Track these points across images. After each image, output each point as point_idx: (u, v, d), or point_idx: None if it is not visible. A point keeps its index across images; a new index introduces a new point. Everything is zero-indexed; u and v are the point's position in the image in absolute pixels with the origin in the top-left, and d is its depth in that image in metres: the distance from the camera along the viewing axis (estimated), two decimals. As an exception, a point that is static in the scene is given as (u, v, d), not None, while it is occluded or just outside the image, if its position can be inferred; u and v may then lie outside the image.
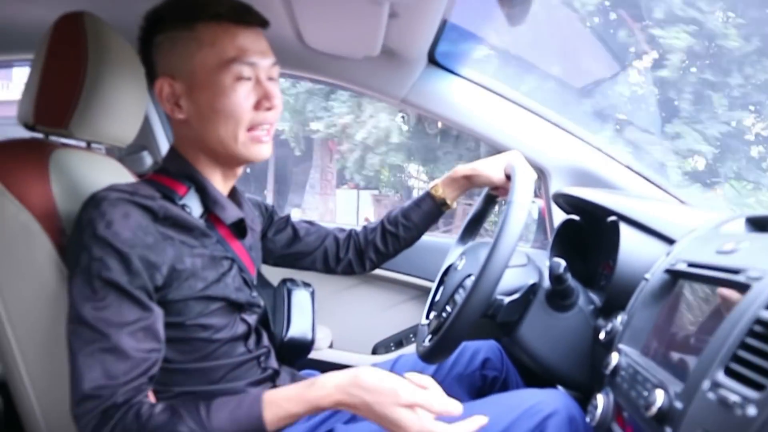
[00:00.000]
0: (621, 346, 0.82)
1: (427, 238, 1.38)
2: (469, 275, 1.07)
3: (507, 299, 0.99)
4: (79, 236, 0.82)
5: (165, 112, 0.96)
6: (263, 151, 0.95)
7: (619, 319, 0.92)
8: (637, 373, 0.72)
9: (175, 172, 0.95)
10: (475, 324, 0.92)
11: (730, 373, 0.54)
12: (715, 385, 0.54)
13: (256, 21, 0.94)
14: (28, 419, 0.95)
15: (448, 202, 1.31)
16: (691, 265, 0.76)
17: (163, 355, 0.83)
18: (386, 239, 1.32)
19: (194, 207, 0.93)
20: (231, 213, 0.96)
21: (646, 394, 0.66)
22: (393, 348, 1.73)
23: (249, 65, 0.91)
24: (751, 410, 0.49)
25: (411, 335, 1.71)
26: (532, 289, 1.02)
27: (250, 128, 0.92)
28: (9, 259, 0.92)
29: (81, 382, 0.75)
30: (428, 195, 1.32)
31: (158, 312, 0.83)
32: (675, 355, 0.70)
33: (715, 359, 0.56)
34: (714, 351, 0.58)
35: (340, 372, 0.82)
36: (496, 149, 1.53)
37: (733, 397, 0.51)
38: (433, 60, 1.47)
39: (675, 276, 0.81)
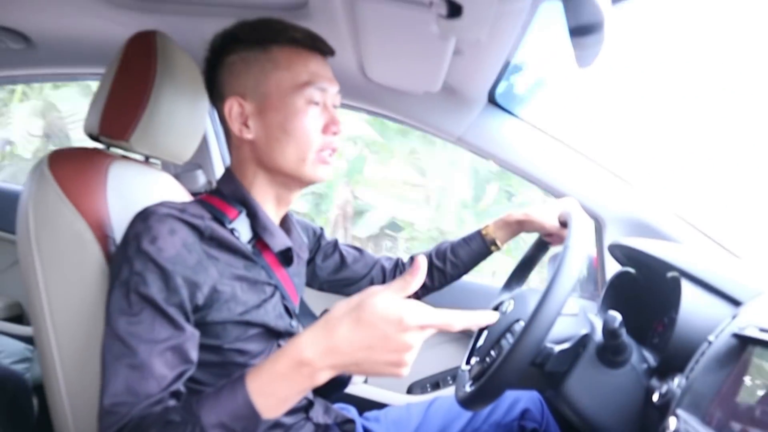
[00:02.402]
0: (679, 411, 0.77)
1: (472, 279, 1.36)
2: (518, 320, 1.03)
3: (557, 348, 0.95)
4: (124, 249, 0.82)
5: (231, 131, 0.97)
6: (328, 172, 0.97)
7: (676, 381, 0.86)
8: (700, 443, 0.67)
9: (229, 194, 0.96)
10: (521, 372, 0.88)
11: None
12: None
13: (326, 49, 0.97)
14: (59, 424, 0.95)
15: (498, 243, 1.31)
16: (764, 330, 0.71)
17: (190, 374, 0.81)
18: (432, 273, 1.32)
19: (243, 231, 0.93)
20: (279, 241, 0.96)
21: (710, 467, 0.61)
22: (429, 389, 1.68)
23: (320, 90, 0.94)
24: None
25: (448, 378, 1.67)
26: (584, 341, 0.97)
27: (319, 150, 0.95)
28: (59, 265, 0.93)
29: (104, 395, 0.74)
30: (479, 234, 1.32)
31: (191, 332, 0.81)
32: (741, 429, 0.65)
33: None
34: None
35: (317, 325, 0.70)
36: (550, 194, 1.50)
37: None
38: (492, 100, 1.47)
39: (744, 341, 0.75)
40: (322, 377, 0.69)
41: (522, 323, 0.90)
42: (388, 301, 0.67)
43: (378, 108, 1.54)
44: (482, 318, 0.73)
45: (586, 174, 1.46)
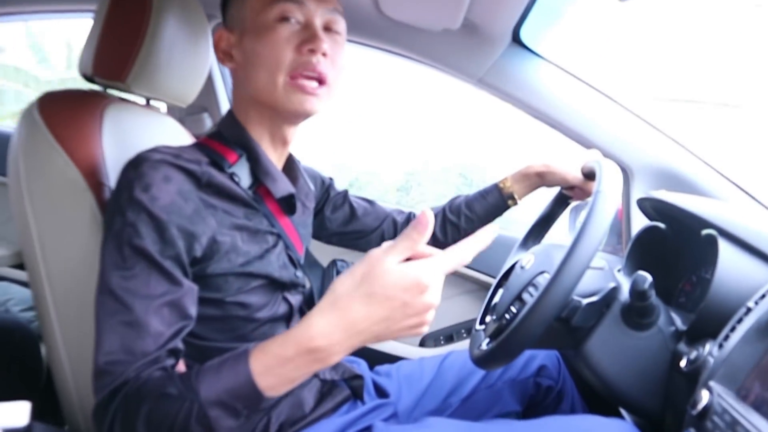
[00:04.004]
0: (712, 383, 0.71)
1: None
2: (542, 272, 0.97)
3: (585, 301, 0.89)
4: (116, 198, 0.76)
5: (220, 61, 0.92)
6: (307, 103, 0.84)
7: (707, 348, 0.80)
8: (737, 423, 0.61)
9: (229, 137, 0.89)
10: (545, 327, 0.81)
11: None
12: None
13: None
14: (59, 378, 0.92)
15: (516, 197, 1.24)
16: (813, 301, 0.64)
17: (188, 330, 0.76)
18: (446, 228, 1.26)
19: (243, 177, 0.86)
20: (282, 186, 0.89)
21: (749, 452, 0.56)
22: (442, 342, 1.65)
23: (296, 3, 0.84)
24: None
25: (462, 330, 1.63)
26: (612, 294, 0.91)
27: (291, 72, 0.83)
28: (52, 214, 0.88)
29: (99, 354, 0.70)
30: (496, 188, 1.25)
31: (189, 286, 0.76)
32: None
33: None
34: None
35: (325, 308, 0.64)
36: (574, 141, 1.41)
37: None
38: (517, 39, 1.35)
39: (789, 310, 0.69)
40: (336, 359, 0.65)
41: (547, 275, 0.83)
42: (400, 268, 0.62)
43: (393, 47, 1.43)
44: (484, 236, 0.69)
45: (614, 120, 1.36)
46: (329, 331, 0.62)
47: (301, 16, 0.85)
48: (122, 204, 0.74)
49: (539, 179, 1.23)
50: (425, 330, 0.65)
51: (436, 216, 1.27)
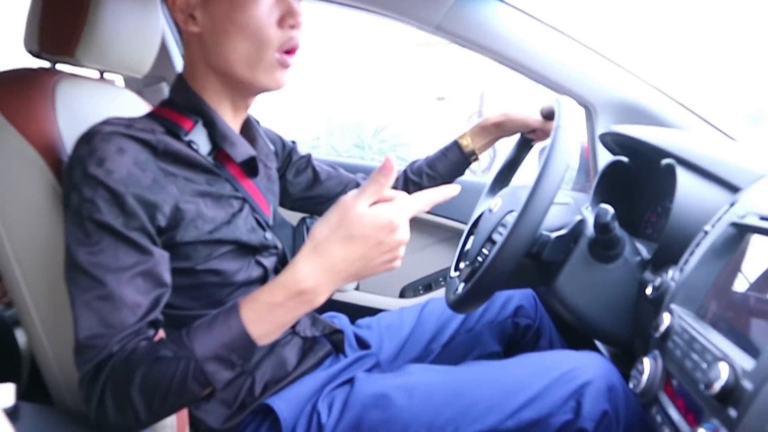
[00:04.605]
0: (673, 306, 0.74)
1: (460, 178, 1.30)
2: (510, 211, 0.99)
3: (554, 235, 0.91)
4: (69, 175, 0.75)
5: (176, 24, 0.85)
6: (284, 78, 0.86)
7: (670, 274, 0.83)
8: (694, 340, 0.63)
9: (182, 103, 0.86)
10: (517, 263, 0.84)
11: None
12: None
13: None
14: (40, 356, 0.92)
15: (477, 152, 1.25)
16: (764, 218, 0.66)
17: (166, 298, 0.76)
18: (408, 189, 1.26)
19: (201, 143, 0.84)
20: (241, 150, 0.88)
21: (705, 366, 0.58)
22: (421, 291, 1.67)
23: None
24: None
25: (440, 278, 1.65)
26: (579, 227, 0.93)
27: (279, 49, 0.83)
28: (14, 197, 0.86)
29: (78, 330, 0.70)
30: (456, 144, 1.26)
31: (160, 254, 0.76)
32: (740, 324, 0.62)
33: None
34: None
35: (308, 253, 0.69)
36: (537, 82, 1.41)
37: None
38: (472, -19, 1.33)
39: (742, 230, 0.71)
40: (322, 299, 0.70)
41: (515, 213, 0.85)
42: (372, 211, 0.67)
43: (351, 0, 1.41)
44: (447, 190, 0.74)
45: (574, 58, 1.36)
46: (314, 272, 0.67)
47: None
48: (77, 181, 0.73)
49: (498, 130, 1.24)
50: (398, 264, 0.72)
51: (397, 178, 1.27)
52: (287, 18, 0.82)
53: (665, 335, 0.71)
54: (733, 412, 0.51)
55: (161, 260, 0.76)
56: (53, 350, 0.90)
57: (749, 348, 0.56)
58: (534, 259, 0.93)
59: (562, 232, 0.92)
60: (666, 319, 0.72)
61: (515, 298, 1.26)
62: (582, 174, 1.56)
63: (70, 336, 0.72)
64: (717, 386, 0.53)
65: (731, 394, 0.52)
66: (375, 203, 0.69)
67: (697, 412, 0.58)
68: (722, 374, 0.53)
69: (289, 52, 0.85)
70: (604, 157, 1.33)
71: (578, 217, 0.95)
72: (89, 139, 0.74)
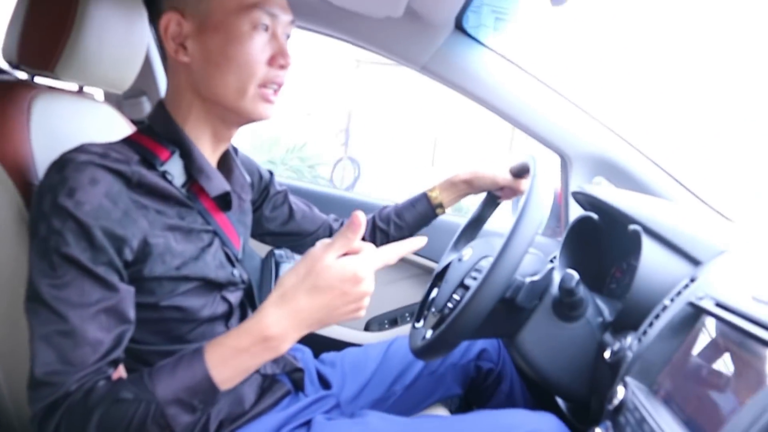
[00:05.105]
0: (628, 379, 0.75)
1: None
2: (484, 257, 1.01)
3: (528, 279, 0.92)
4: (38, 203, 0.73)
5: (167, 52, 0.86)
6: (269, 111, 0.87)
7: (629, 341, 0.85)
8: (644, 421, 0.65)
9: (161, 132, 0.86)
10: (492, 306, 0.84)
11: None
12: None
13: None
14: None
15: (444, 206, 1.28)
16: (719, 305, 0.69)
17: (129, 335, 0.75)
18: (375, 235, 1.28)
19: (176, 174, 0.84)
20: (216, 184, 0.87)
21: (652, 451, 0.60)
22: (387, 326, 1.67)
23: (269, 15, 0.83)
24: None
25: (406, 314, 1.66)
26: (550, 275, 0.95)
27: (262, 84, 0.84)
28: None
29: (35, 365, 0.69)
30: (425, 196, 1.28)
31: (126, 290, 0.75)
32: (691, 408, 0.63)
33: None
34: (748, 423, 0.51)
35: (275, 300, 0.72)
36: (516, 127, 1.44)
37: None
38: (459, 26, 1.36)
39: (699, 311, 0.73)
40: (287, 346, 0.72)
41: (491, 258, 0.86)
42: (338, 263, 0.71)
43: (338, 33, 1.42)
44: (413, 243, 0.80)
45: (553, 109, 1.40)
46: (279, 320, 0.70)
47: (270, 24, 0.84)
48: (45, 210, 0.71)
49: (467, 186, 1.26)
50: (362, 313, 0.75)
51: (366, 224, 1.28)
52: (278, 58, 0.85)
53: (618, 408, 0.72)
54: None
55: (127, 296, 0.75)
56: (8, 383, 0.87)
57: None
58: (506, 305, 0.93)
59: (536, 278, 0.93)
60: (620, 392, 0.74)
61: (479, 342, 1.27)
62: (553, 219, 1.59)
63: (26, 370, 0.71)
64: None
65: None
66: (344, 255, 0.72)
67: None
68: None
69: (275, 88, 0.87)
70: (575, 207, 1.36)
71: (549, 266, 0.96)
72: (62, 167, 0.73)
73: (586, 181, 1.44)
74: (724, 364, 0.63)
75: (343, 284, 0.70)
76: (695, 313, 0.74)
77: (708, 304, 0.71)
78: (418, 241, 0.80)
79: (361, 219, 0.71)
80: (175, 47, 0.84)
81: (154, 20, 0.88)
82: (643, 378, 0.75)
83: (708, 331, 0.70)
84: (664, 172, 1.38)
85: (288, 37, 0.89)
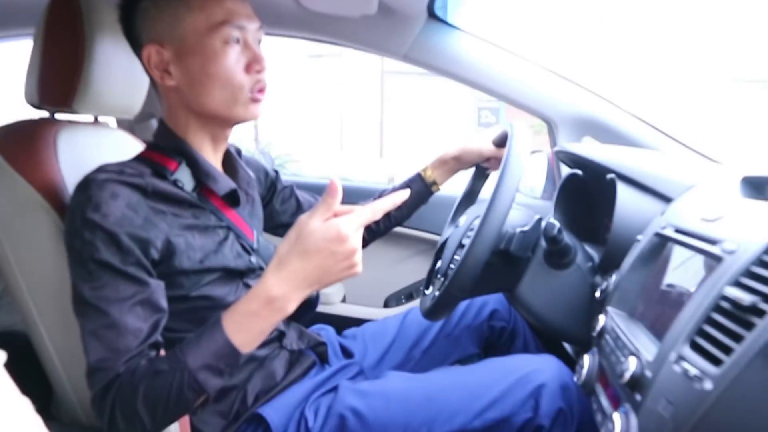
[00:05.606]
0: (609, 308, 0.84)
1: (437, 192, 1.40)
2: (476, 217, 1.08)
3: (518, 230, 1.00)
4: (71, 221, 0.85)
5: (154, 79, 0.97)
6: (258, 110, 0.97)
7: (614, 278, 0.93)
8: (618, 337, 0.74)
9: (166, 147, 0.97)
10: (487, 256, 0.92)
11: (694, 346, 0.56)
12: (680, 358, 0.56)
13: None
14: (54, 380, 1.02)
15: (438, 183, 1.36)
16: (677, 230, 0.77)
17: (164, 322, 0.86)
18: (378, 219, 1.35)
19: (186, 181, 0.95)
20: (223, 184, 0.98)
21: (622, 360, 0.69)
22: (404, 300, 1.78)
23: (238, 28, 0.92)
24: (708, 384, 0.51)
25: (421, 287, 1.75)
26: (539, 224, 1.02)
27: (251, 91, 0.94)
28: (26, 240, 0.97)
29: (89, 355, 0.81)
30: (419, 176, 1.36)
31: (156, 284, 0.86)
32: (658, 321, 0.72)
33: (684, 331, 0.58)
34: (683, 323, 0.59)
35: (273, 267, 0.80)
36: (502, 101, 1.52)
37: (694, 371, 0.53)
38: (433, 14, 1.44)
39: (664, 239, 0.81)
40: (292, 306, 0.79)
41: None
42: (322, 225, 0.78)
43: (318, 35, 1.51)
44: (398, 196, 0.85)
45: (534, 79, 1.48)
46: (279, 282, 0.78)
47: (240, 36, 0.93)
48: (77, 226, 0.83)
49: (456, 162, 1.34)
50: (359, 270, 0.81)
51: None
52: (253, 65, 0.94)
53: (600, 334, 0.81)
54: (638, 397, 0.61)
55: (157, 289, 0.86)
56: (67, 375, 1.00)
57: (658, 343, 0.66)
58: (502, 257, 1.01)
59: (526, 228, 1.01)
60: (601, 320, 0.83)
61: (490, 303, 1.35)
62: (550, 183, 1.67)
63: (81, 362, 0.82)
64: (627, 376, 0.63)
65: (637, 382, 0.62)
66: (329, 219, 0.79)
67: (617, 399, 0.68)
68: (631, 366, 0.64)
69: (260, 91, 0.96)
70: (566, 169, 1.43)
71: (537, 216, 1.04)
72: (86, 187, 0.85)
73: (575, 142, 1.52)
74: (684, 280, 0.72)
75: (329, 244, 0.76)
76: (661, 242, 0.82)
77: (669, 232, 0.79)
78: (399, 195, 0.85)
79: (337, 184, 0.78)
80: (159, 74, 0.94)
81: (136, 52, 0.98)
82: (622, 305, 0.83)
83: (672, 255, 0.78)
84: (647, 124, 1.45)
85: (259, 41, 0.98)
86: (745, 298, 0.52)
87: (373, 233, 1.38)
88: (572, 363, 1.02)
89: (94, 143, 1.14)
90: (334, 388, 1.04)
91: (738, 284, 0.55)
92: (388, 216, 1.36)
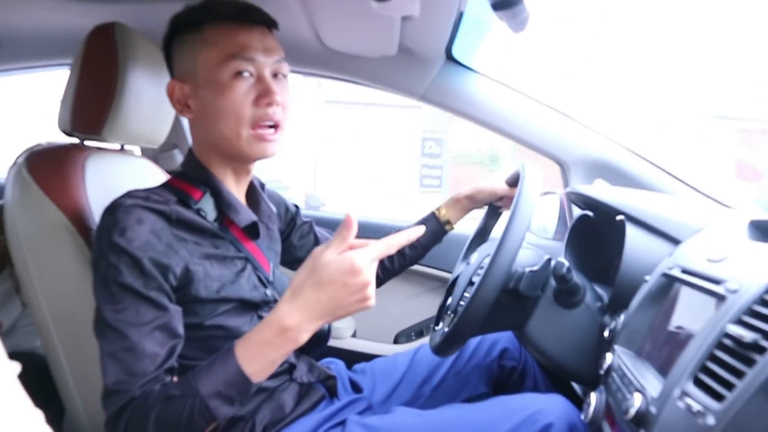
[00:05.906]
0: (616, 346, 0.85)
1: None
2: (486, 256, 1.10)
3: (528, 269, 1.01)
4: (98, 244, 0.88)
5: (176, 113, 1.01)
6: (268, 149, 0.98)
7: (622, 317, 0.94)
8: (625, 375, 0.75)
9: (192, 176, 1.00)
10: (496, 295, 0.93)
11: (698, 382, 0.57)
12: (684, 394, 0.57)
13: (259, 20, 0.98)
14: (67, 401, 1.04)
15: (452, 222, 1.38)
16: (684, 271, 0.78)
17: (180, 347, 0.88)
18: (393, 257, 1.38)
19: (209, 211, 0.97)
20: (244, 216, 1.01)
21: (628, 396, 0.69)
22: (414, 337, 1.78)
23: (248, 61, 0.94)
24: (711, 419, 0.52)
25: (431, 325, 1.76)
26: (549, 264, 1.03)
27: (254, 126, 0.95)
28: (50, 260, 1.00)
29: (105, 377, 0.82)
30: (433, 215, 1.38)
31: (174, 309, 0.88)
32: (664, 359, 0.73)
33: (687, 368, 0.59)
34: (687, 360, 0.60)
35: (287, 297, 0.81)
36: (515, 142, 1.55)
37: (697, 406, 0.54)
38: (450, 57, 1.50)
39: (671, 280, 0.82)
40: (305, 337, 0.80)
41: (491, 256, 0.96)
42: (337, 258, 0.79)
43: (340, 74, 1.58)
44: (412, 232, 0.85)
45: (546, 121, 1.51)
46: (292, 312, 0.79)
47: (253, 69, 0.95)
48: (103, 249, 0.86)
49: (470, 202, 1.37)
50: (372, 303, 0.81)
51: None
52: (263, 97, 0.95)
53: (607, 372, 0.82)
54: (643, 434, 0.62)
55: (176, 315, 0.88)
56: (80, 394, 1.02)
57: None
58: (511, 295, 1.02)
59: (535, 267, 1.02)
60: (608, 358, 0.84)
61: (501, 341, 1.35)
62: (562, 224, 1.68)
63: (94, 382, 0.84)
64: (632, 412, 0.64)
65: (642, 418, 0.63)
66: (344, 251, 0.80)
67: (622, 436, 0.68)
68: (636, 402, 0.64)
69: (267, 126, 0.96)
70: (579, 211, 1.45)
71: (546, 256, 1.06)
72: (113, 211, 0.88)
73: (587, 184, 1.54)
74: (690, 319, 0.73)
75: (343, 276, 0.77)
76: (668, 282, 0.83)
77: (676, 272, 0.80)
78: (414, 231, 0.86)
79: (353, 219, 0.79)
80: (180, 108, 0.99)
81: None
82: (629, 344, 0.84)
83: (679, 296, 0.79)
84: (658, 168, 1.47)
85: (284, 76, 1.00)
86: (747, 335, 0.53)
87: (387, 272, 1.40)
88: (580, 403, 1.02)
89: (120, 170, 1.18)
90: (343, 422, 1.04)
91: (740, 322, 0.56)
92: (402, 254, 1.38)
